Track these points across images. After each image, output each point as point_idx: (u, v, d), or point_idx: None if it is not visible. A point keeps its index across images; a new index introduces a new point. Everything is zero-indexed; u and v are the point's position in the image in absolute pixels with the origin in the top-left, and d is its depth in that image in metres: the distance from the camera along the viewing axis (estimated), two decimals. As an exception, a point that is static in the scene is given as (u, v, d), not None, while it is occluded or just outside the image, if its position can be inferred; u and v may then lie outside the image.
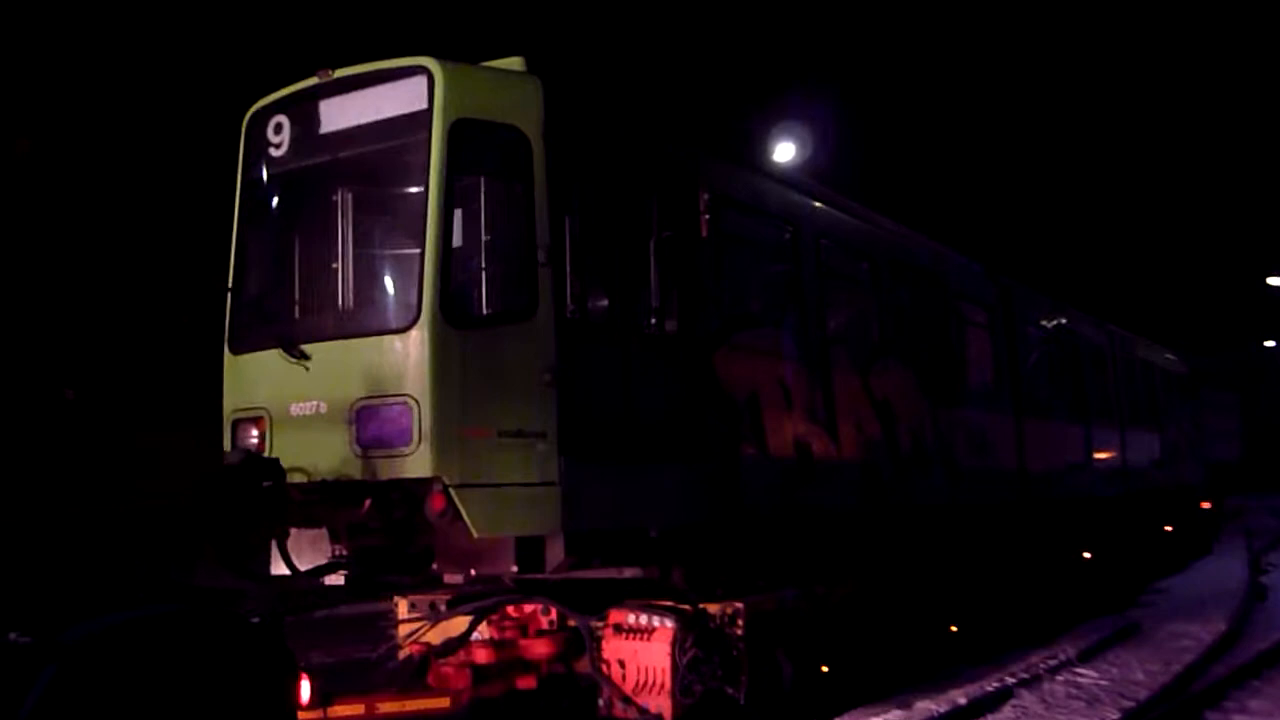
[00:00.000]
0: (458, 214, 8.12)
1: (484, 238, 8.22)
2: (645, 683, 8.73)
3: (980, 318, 15.45)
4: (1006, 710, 10.43)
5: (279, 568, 7.65)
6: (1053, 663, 12.36)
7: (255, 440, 8.32)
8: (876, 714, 10.03)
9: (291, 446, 7.98)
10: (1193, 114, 78.72)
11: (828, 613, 10.46)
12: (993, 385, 15.53)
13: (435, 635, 9.26)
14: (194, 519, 6.86)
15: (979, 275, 15.99)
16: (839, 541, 11.09)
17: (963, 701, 10.35)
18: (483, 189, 8.22)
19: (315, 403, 8.03)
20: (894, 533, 12.11)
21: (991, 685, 11.17)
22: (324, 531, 7.93)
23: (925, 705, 10.20)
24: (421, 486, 7.56)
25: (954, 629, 13.31)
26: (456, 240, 8.12)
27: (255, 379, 8.50)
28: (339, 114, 8.42)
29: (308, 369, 8.11)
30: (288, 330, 8.40)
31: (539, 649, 9.27)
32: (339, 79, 8.44)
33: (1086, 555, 18.76)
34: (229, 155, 9.09)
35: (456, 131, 7.87)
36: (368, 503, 7.67)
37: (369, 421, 7.76)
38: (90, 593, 5.80)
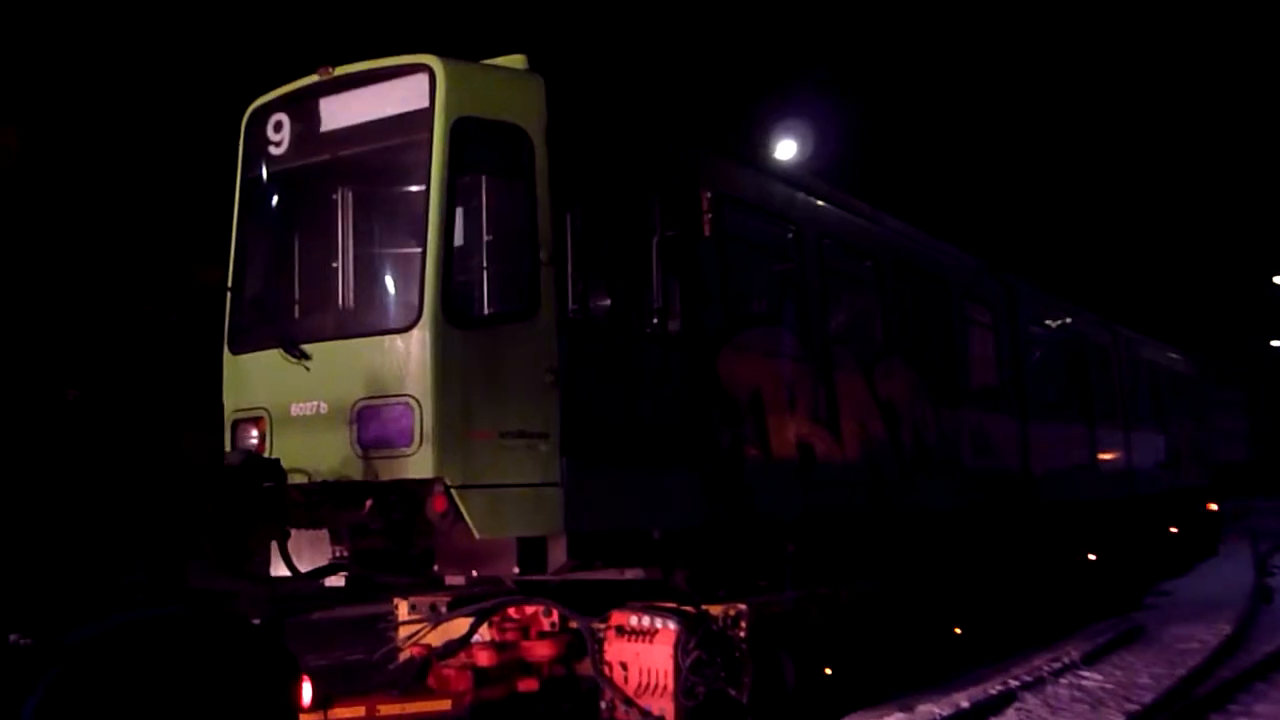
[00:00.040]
0: (459, 213, 8.08)
1: (486, 237, 8.20)
2: (648, 685, 8.70)
3: (984, 317, 15.40)
4: (1009, 713, 10.38)
5: (279, 569, 7.61)
6: (1056, 665, 12.29)
7: (255, 440, 8.29)
8: (879, 716, 9.98)
9: (292, 447, 7.94)
10: (1200, 111, 78.56)
11: (831, 614, 10.43)
12: (997, 385, 15.47)
13: (436, 637, 9.23)
14: (193, 519, 6.82)
15: (983, 273, 15.94)
16: (842, 543, 11.05)
17: (965, 704, 10.29)
18: (484, 188, 8.20)
19: (316, 403, 8.00)
20: (897, 534, 12.07)
21: (995, 688, 11.11)
22: (324, 533, 7.90)
23: (928, 708, 10.14)
24: (423, 487, 7.53)
25: (958, 631, 13.28)
26: (458, 239, 8.08)
27: (255, 379, 8.47)
28: (340, 112, 8.38)
29: (308, 369, 8.09)
30: (288, 330, 8.37)
31: (541, 651, 9.23)
32: (340, 77, 8.40)
33: (1091, 557, 18.71)
34: (229, 154, 9.05)
35: (458, 130, 7.83)
36: (369, 503, 7.65)
37: (370, 422, 7.74)
38: (92, 594, 5.78)
